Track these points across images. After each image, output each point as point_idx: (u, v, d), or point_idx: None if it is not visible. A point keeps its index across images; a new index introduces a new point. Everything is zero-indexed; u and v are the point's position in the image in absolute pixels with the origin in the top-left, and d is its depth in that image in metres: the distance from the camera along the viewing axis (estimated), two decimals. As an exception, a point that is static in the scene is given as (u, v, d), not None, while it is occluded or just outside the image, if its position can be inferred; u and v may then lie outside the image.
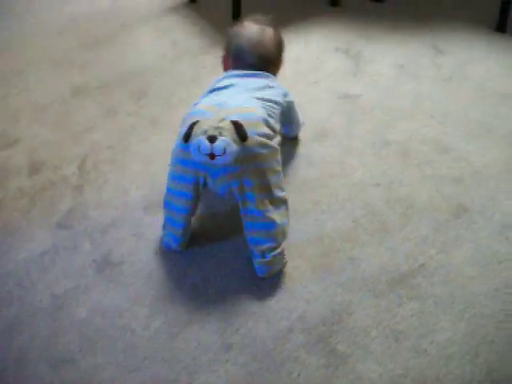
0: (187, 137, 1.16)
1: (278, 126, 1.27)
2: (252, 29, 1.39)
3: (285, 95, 1.37)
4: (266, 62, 1.39)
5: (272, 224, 1.19)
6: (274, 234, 1.20)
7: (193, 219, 1.30)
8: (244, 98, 1.23)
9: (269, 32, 1.40)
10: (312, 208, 1.40)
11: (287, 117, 1.42)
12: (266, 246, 1.20)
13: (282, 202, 1.23)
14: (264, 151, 1.17)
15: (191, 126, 1.16)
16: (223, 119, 1.14)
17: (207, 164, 1.15)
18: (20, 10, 2.30)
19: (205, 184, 1.20)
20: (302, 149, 1.56)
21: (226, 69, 1.42)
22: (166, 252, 1.32)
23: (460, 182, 1.46)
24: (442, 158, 1.52)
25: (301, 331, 1.15)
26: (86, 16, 2.23)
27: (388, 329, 1.15)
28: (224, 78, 1.35)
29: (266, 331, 1.16)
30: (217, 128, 1.13)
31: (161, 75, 1.88)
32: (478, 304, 1.20)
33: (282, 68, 1.50)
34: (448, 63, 1.85)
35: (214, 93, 1.29)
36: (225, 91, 1.28)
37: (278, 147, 1.24)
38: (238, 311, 1.20)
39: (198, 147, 1.14)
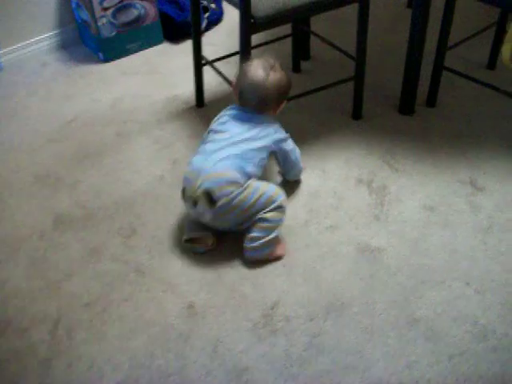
0: (184, 200, 1.55)
1: (255, 170, 1.52)
2: (257, 71, 1.54)
3: (278, 142, 1.59)
4: (266, 104, 1.57)
5: (264, 221, 1.49)
6: (264, 227, 1.49)
7: None
8: (220, 159, 1.48)
9: (272, 76, 1.54)
10: (320, 419, 1.20)
11: (283, 162, 1.66)
12: (253, 235, 1.49)
13: (271, 203, 1.49)
14: (235, 201, 1.46)
15: (182, 193, 1.54)
16: (198, 187, 1.47)
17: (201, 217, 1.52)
18: (9, 114, 2.18)
19: None
20: (313, 327, 1.36)
21: (235, 95, 1.61)
22: None
23: (502, 386, 1.24)
24: (480, 348, 1.31)
25: None
26: (82, 120, 2.09)
27: None
28: (224, 115, 1.60)
29: None
30: (195, 197, 1.48)
31: (155, 206, 1.70)
32: None
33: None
34: (487, 205, 1.65)
35: (204, 143, 1.58)
36: (212, 144, 1.54)
37: (246, 184, 1.48)
38: None
39: (189, 209, 1.54)
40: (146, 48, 2.48)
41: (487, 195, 1.69)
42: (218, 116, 1.62)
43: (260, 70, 1.54)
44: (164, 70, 2.36)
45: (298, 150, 1.67)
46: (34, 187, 1.81)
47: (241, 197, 1.45)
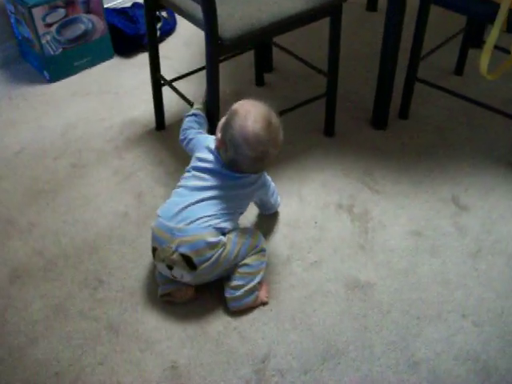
0: (156, 261, 1.40)
1: (233, 224, 1.39)
2: (256, 145, 1.32)
3: (260, 195, 1.49)
4: (258, 168, 1.41)
5: (245, 266, 1.37)
6: (245, 273, 1.37)
7: None
8: (196, 218, 1.33)
9: (273, 150, 1.37)
10: None
11: (261, 204, 1.58)
12: (235, 283, 1.37)
13: (252, 249, 1.39)
14: (218, 262, 1.33)
15: (153, 253, 1.39)
16: (175, 251, 1.32)
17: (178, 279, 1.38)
18: None
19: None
20: (310, 380, 1.26)
21: (219, 147, 1.39)
22: None
23: (513, 431, 1.18)
24: (485, 388, 1.25)
25: None
26: (30, 151, 1.90)
27: None
28: (209, 161, 1.39)
29: None
30: (170, 260, 1.33)
31: (121, 249, 1.56)
32: None
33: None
34: (473, 226, 1.59)
35: (179, 186, 1.42)
36: (186, 193, 1.38)
37: (224, 240, 1.35)
38: None
39: (163, 270, 1.39)
40: (96, 64, 2.30)
41: (472, 214, 1.63)
42: (203, 150, 1.43)
43: (259, 143, 1.32)
44: (117, 89, 2.19)
45: (276, 191, 1.58)
46: (-17, 234, 1.64)
47: (222, 255, 1.33)
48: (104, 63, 2.32)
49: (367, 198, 1.69)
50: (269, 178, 1.53)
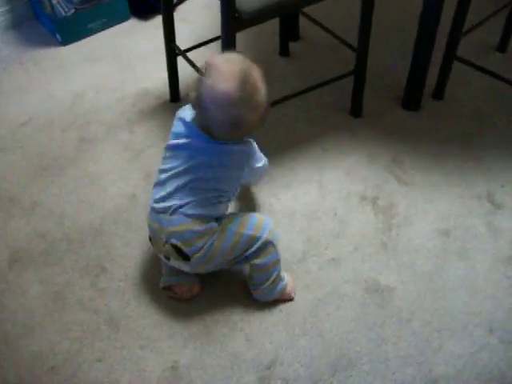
0: (154, 251, 1.37)
1: (225, 207, 1.30)
2: (228, 103, 1.15)
3: (249, 171, 1.33)
4: (236, 134, 1.23)
5: (256, 266, 1.29)
6: (260, 271, 1.30)
7: None
8: (180, 205, 1.23)
9: (248, 109, 1.17)
10: None
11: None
12: (254, 281, 1.32)
13: (254, 241, 1.27)
14: (211, 252, 1.24)
15: (150, 241, 1.34)
16: (165, 242, 1.26)
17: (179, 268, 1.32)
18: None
19: None
20: (316, 392, 1.19)
21: (193, 108, 1.24)
22: None
23: None
24: (509, 411, 1.16)
25: None
26: (37, 121, 1.82)
27: None
28: (183, 134, 1.25)
29: None
30: (165, 251, 1.28)
31: (127, 235, 1.48)
32: None
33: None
34: (507, 227, 1.47)
35: (161, 170, 1.28)
36: (168, 177, 1.25)
37: (218, 227, 1.25)
38: None
39: (163, 260, 1.33)
40: (111, 26, 2.17)
41: (507, 214, 1.50)
42: (176, 122, 1.29)
43: (230, 105, 1.15)
44: (132, 54, 2.08)
45: (264, 161, 1.39)
46: (-15, 211, 1.58)
47: (215, 245, 1.23)
48: (119, 25, 2.19)
49: (394, 189, 1.57)
50: (262, 155, 1.36)
